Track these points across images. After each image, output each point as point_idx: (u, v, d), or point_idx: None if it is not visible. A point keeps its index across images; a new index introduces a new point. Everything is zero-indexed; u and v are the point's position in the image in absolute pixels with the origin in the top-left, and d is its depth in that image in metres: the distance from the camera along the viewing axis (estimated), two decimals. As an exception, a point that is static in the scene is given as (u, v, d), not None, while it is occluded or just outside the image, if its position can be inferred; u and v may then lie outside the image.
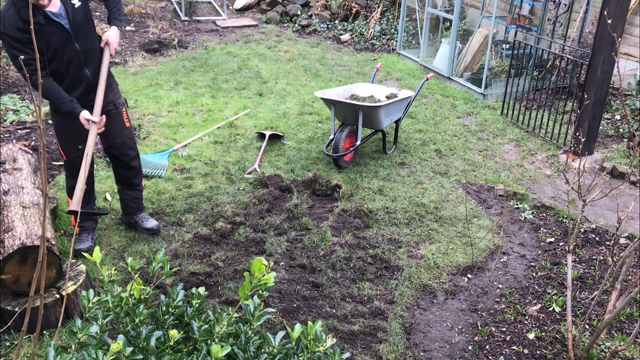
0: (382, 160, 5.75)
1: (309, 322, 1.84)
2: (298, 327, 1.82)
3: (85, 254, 1.97)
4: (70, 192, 3.97)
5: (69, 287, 3.36)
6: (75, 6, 3.39)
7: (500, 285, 4.03)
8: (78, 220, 3.88)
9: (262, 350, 1.85)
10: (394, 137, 6.03)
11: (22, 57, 2.22)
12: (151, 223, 4.33)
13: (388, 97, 5.87)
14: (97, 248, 2.03)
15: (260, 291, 1.99)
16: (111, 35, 3.57)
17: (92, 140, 3.51)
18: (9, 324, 2.80)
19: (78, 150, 3.72)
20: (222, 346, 1.71)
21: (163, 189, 5.00)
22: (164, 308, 1.96)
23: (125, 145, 4.06)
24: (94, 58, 3.59)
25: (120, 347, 1.66)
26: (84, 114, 3.46)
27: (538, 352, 3.41)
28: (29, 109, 6.28)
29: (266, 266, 1.96)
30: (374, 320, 3.60)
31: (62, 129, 3.73)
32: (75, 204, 3.47)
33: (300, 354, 1.81)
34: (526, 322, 3.67)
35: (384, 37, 10.02)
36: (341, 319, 3.59)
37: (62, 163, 4.06)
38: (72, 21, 3.37)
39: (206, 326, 1.86)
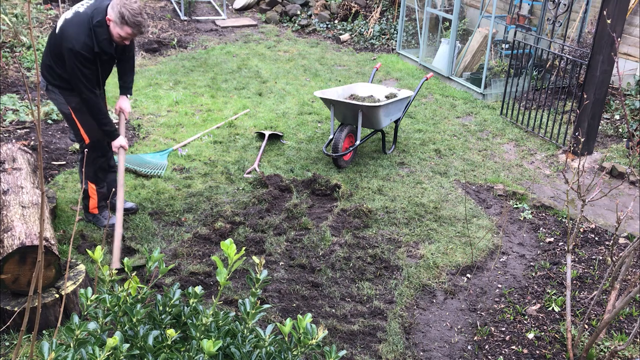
0: (381, 160, 5.74)
1: (299, 316, 1.85)
2: (289, 322, 1.83)
3: (89, 252, 2.01)
4: (95, 179, 4.23)
5: (69, 287, 3.36)
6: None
7: (499, 285, 4.03)
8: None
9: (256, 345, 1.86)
10: (393, 137, 6.03)
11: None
12: (129, 204, 4.61)
13: (387, 97, 5.87)
14: (98, 247, 2.03)
15: (253, 289, 1.99)
16: (125, 104, 4.24)
17: (122, 164, 4.09)
18: (8, 323, 2.79)
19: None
20: (213, 341, 1.71)
21: (162, 188, 5.00)
22: (160, 307, 1.96)
23: None
24: (108, 75, 4.26)
25: (116, 342, 1.65)
26: (121, 140, 4.12)
27: (537, 351, 3.41)
28: (28, 108, 6.28)
29: (258, 264, 1.97)
30: (373, 320, 3.60)
31: (80, 108, 4.00)
32: (116, 261, 3.89)
33: (294, 349, 1.82)
34: (525, 321, 3.66)
35: (383, 36, 10.01)
36: (341, 319, 3.59)
37: (79, 148, 4.31)
38: (117, 54, 4.09)
39: (194, 320, 1.86)
